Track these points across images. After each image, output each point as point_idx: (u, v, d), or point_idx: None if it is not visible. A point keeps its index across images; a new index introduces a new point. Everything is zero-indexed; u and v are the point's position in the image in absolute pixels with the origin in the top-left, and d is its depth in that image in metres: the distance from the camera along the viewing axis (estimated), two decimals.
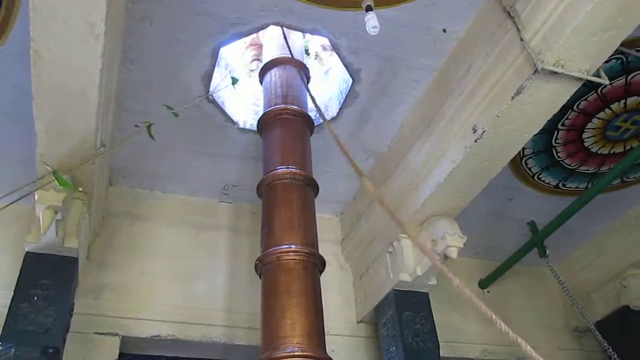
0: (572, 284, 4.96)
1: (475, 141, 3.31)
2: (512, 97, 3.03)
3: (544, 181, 4.61)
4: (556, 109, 3.17)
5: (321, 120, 4.03)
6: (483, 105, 3.25)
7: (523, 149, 4.07)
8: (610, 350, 4.40)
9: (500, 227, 5.05)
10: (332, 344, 3.85)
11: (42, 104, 2.91)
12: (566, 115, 3.98)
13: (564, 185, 4.67)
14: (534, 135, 3.41)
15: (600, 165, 4.48)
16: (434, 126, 3.68)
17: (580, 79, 2.93)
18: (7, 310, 3.25)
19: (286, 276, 2.58)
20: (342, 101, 3.94)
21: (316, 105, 2.76)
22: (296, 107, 3.30)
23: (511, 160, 3.71)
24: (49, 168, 2.45)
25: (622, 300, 5.00)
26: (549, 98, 3.06)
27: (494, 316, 1.10)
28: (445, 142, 3.58)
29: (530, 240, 4.83)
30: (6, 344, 3.12)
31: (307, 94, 2.92)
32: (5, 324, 3.20)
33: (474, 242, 4.01)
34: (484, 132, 3.25)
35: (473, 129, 3.32)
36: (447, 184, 3.63)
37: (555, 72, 2.85)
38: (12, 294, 3.32)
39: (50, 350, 3.20)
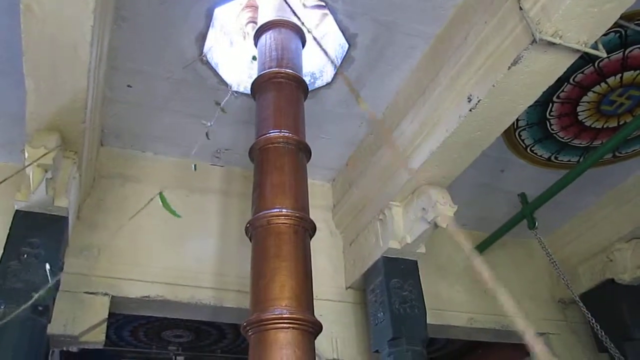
0: (559, 256, 5.02)
1: (470, 110, 3.29)
2: (509, 67, 3.00)
3: (536, 153, 4.61)
4: (552, 80, 3.15)
5: (316, 85, 4.01)
6: (479, 74, 3.23)
7: (517, 120, 4.07)
8: (594, 321, 4.48)
9: (490, 198, 5.08)
10: (321, 309, 3.88)
11: (32, 60, 2.86)
12: (562, 88, 3.96)
13: (556, 158, 4.68)
14: (529, 107, 3.40)
15: (593, 140, 4.49)
16: (429, 94, 3.65)
17: (578, 50, 2.90)
18: None
19: (276, 240, 2.58)
20: (337, 67, 3.90)
21: (324, 51, 2.68)
22: (291, 71, 3.26)
23: (504, 131, 3.71)
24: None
25: (607, 273, 5.07)
26: (546, 69, 3.04)
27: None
28: (439, 111, 3.57)
29: (520, 212, 4.86)
30: None
31: (315, 41, 2.85)
32: None
33: (464, 213, 4.03)
34: (478, 101, 3.23)
35: (468, 98, 3.30)
36: (440, 153, 3.63)
37: (553, 43, 2.82)
38: (2, 251, 3.33)
39: (40, 308, 3.22)
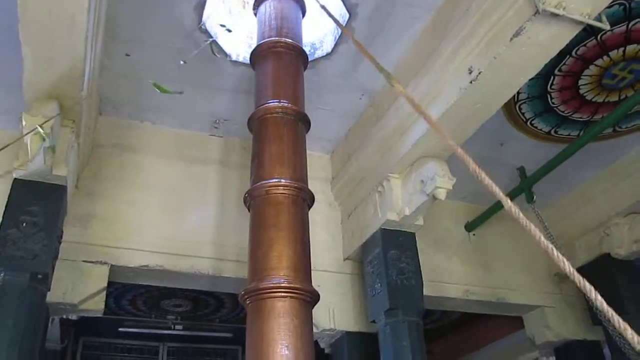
0: (557, 230, 5.03)
1: (470, 82, 3.26)
2: (511, 39, 2.96)
3: (536, 127, 4.59)
4: (554, 52, 3.12)
5: (315, 56, 3.97)
6: (480, 46, 3.19)
7: (517, 93, 4.04)
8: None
9: (489, 172, 4.92)
10: (318, 279, 3.91)
11: (29, 28, 2.82)
12: (563, 61, 3.92)
13: (556, 132, 4.67)
14: (530, 80, 3.38)
15: (593, 114, 4.47)
16: (430, 66, 3.62)
17: (581, 22, 2.87)
18: None
19: (274, 210, 2.59)
20: (337, 37, 3.86)
21: (331, 16, 2.62)
22: (290, 40, 3.23)
23: (505, 104, 3.69)
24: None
25: (603, 248, 5.10)
26: (548, 41, 3.01)
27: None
28: (440, 83, 3.54)
29: (519, 186, 4.87)
30: None
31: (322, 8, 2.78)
32: None
33: (462, 186, 4.02)
34: (479, 73, 3.21)
35: (469, 70, 3.28)
36: (439, 124, 3.60)
37: (556, 14, 2.78)
38: (1, 219, 3.34)
39: (39, 276, 3.24)
